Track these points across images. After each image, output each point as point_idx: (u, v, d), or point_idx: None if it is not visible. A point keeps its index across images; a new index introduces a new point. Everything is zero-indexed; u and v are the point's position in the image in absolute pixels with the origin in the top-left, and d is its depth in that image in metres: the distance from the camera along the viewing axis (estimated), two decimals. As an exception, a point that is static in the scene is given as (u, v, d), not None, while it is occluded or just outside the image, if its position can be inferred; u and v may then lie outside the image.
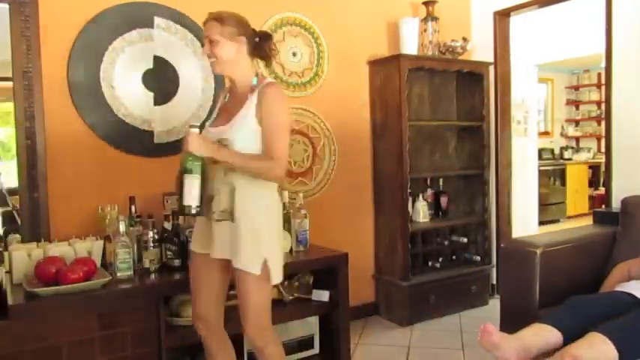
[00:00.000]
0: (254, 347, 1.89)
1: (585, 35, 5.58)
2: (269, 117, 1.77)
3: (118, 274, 2.16)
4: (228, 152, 1.75)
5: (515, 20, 3.82)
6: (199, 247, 1.91)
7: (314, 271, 2.61)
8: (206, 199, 1.79)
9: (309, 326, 2.61)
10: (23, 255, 2.11)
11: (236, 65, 1.87)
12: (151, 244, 2.33)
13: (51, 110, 2.42)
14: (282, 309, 2.47)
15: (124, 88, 2.59)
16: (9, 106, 2.37)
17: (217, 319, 1.96)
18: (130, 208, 2.44)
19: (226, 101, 1.97)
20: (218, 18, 1.81)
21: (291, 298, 2.52)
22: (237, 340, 2.43)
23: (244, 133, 1.78)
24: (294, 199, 2.78)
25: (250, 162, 1.77)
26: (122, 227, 2.19)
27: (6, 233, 2.45)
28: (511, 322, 2.20)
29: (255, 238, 1.77)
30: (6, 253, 2.18)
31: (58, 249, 2.16)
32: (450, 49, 3.56)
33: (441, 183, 3.73)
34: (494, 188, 3.78)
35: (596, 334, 1.69)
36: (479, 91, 3.67)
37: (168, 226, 2.34)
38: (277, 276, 1.83)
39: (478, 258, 3.62)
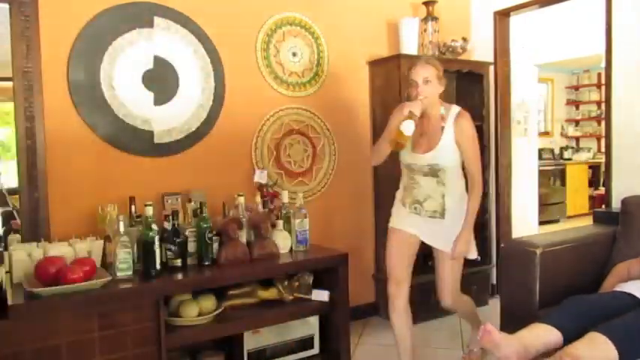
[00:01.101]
0: (448, 307, 2.60)
1: (585, 35, 5.59)
2: (468, 146, 2.31)
3: (118, 274, 2.15)
4: (470, 220, 2.36)
5: (515, 20, 3.82)
6: (398, 225, 2.46)
7: (314, 271, 2.60)
8: (418, 199, 2.40)
9: (309, 326, 2.61)
10: (23, 255, 2.11)
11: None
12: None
13: (51, 110, 2.42)
14: (282, 309, 2.48)
15: (124, 88, 2.59)
16: (9, 106, 2.37)
17: (406, 279, 2.49)
18: (130, 208, 2.44)
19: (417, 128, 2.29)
20: (433, 64, 2.29)
21: (291, 298, 2.52)
22: (238, 340, 2.44)
23: (451, 158, 2.32)
24: (294, 199, 2.78)
25: (475, 208, 2.37)
26: (122, 227, 2.19)
27: (6, 233, 2.45)
28: (511, 322, 2.20)
29: (457, 230, 2.36)
30: (6, 253, 2.18)
31: (58, 249, 2.16)
32: (450, 49, 3.56)
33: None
34: (494, 188, 3.78)
35: (596, 334, 1.69)
36: (479, 91, 3.66)
37: (168, 226, 2.33)
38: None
39: (478, 258, 3.61)
